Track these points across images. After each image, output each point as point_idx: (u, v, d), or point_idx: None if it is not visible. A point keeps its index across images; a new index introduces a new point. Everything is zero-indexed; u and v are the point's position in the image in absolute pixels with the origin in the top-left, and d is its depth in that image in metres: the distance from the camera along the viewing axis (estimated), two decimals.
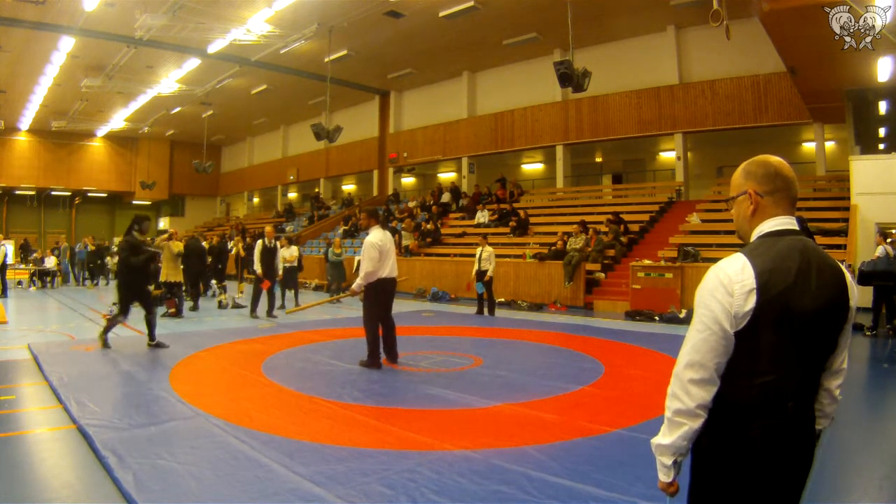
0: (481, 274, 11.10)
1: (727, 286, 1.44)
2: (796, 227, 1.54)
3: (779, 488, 1.49)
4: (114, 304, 10.52)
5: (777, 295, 1.43)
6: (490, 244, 11.52)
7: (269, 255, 10.66)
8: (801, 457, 1.52)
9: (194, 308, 11.77)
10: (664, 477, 1.57)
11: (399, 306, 12.92)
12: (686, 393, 1.48)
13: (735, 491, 1.49)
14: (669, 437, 1.52)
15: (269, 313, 10.59)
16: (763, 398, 1.45)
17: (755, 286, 1.42)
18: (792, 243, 1.50)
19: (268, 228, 11.64)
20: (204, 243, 13.17)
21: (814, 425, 1.56)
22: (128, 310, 7.32)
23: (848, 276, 1.54)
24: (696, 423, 1.49)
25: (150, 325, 7.24)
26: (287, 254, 12.04)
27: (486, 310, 11.27)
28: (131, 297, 7.25)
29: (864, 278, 8.97)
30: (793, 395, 1.47)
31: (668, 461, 1.54)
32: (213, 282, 13.35)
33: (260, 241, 10.74)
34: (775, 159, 1.57)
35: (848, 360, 1.64)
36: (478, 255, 11.27)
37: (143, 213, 8.18)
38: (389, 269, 6.21)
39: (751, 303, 1.42)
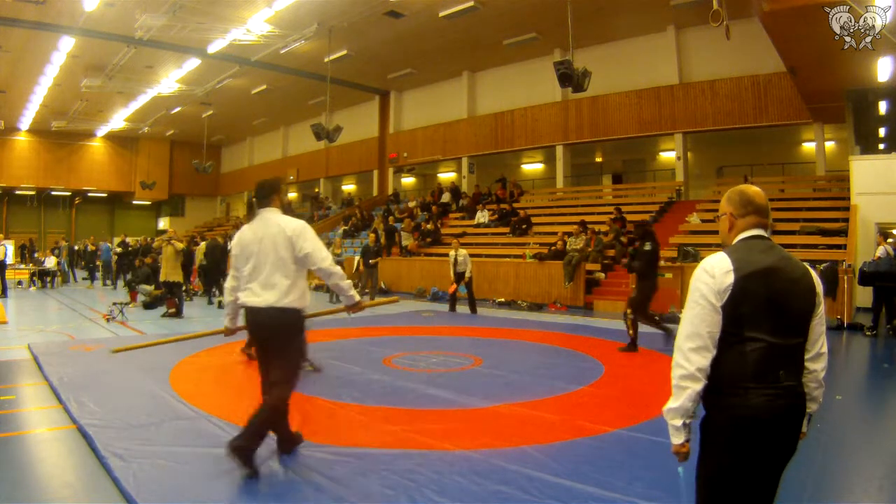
0: (460, 276, 11.42)
1: (709, 271, 1.81)
2: (766, 235, 1.91)
3: (773, 454, 1.79)
4: (114, 304, 10.56)
5: (751, 274, 1.78)
6: (462, 245, 12.05)
7: None
8: (792, 425, 1.80)
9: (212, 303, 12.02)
10: (675, 439, 1.84)
11: (399, 307, 12.93)
12: (686, 360, 1.78)
13: (736, 456, 1.75)
14: (677, 400, 1.80)
15: None
16: (756, 365, 1.74)
17: (731, 268, 1.79)
18: (763, 243, 1.89)
19: None
20: (203, 243, 13.25)
21: (804, 400, 1.84)
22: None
23: (811, 269, 1.89)
24: (698, 386, 1.78)
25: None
26: None
27: (456, 307, 11.71)
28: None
29: (866, 279, 8.96)
30: (781, 364, 1.77)
31: (678, 422, 1.81)
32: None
33: None
34: (751, 190, 1.97)
35: (828, 345, 1.91)
36: (452, 258, 11.48)
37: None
38: (254, 289, 3.44)
39: (729, 279, 1.77)
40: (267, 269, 3.41)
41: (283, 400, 3.44)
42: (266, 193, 3.58)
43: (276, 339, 3.45)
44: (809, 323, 1.84)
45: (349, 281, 3.62)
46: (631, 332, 7.27)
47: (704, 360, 1.77)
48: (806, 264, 1.89)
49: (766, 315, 1.76)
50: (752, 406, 1.72)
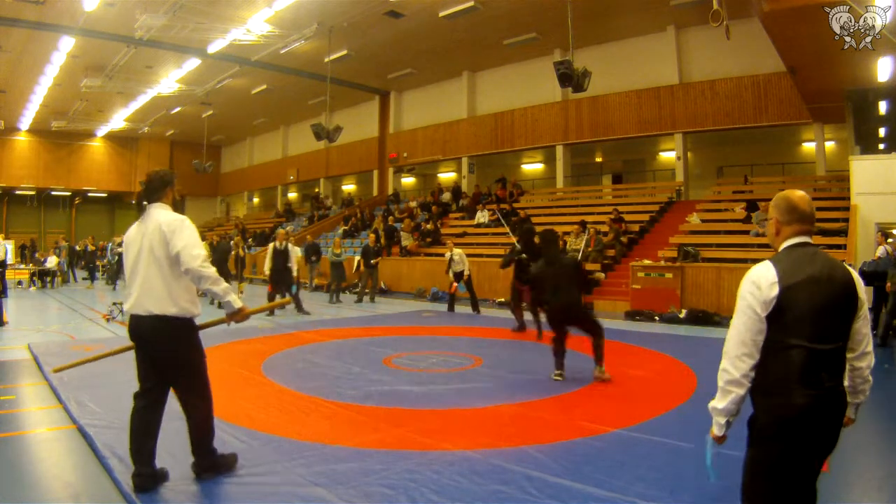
0: (459, 275, 11.55)
1: (755, 282, 1.94)
2: (810, 241, 2.02)
3: (815, 449, 1.92)
4: (114, 304, 10.55)
5: (794, 285, 1.89)
6: (463, 245, 12.14)
7: (281, 257, 11.20)
8: (833, 423, 1.93)
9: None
10: (718, 431, 2.03)
11: (399, 306, 12.94)
12: (733, 366, 1.94)
13: (781, 452, 1.89)
14: (722, 402, 1.97)
15: (300, 310, 11.10)
16: (799, 370, 1.86)
17: (776, 279, 1.91)
18: (807, 251, 1.99)
19: (280, 231, 12.06)
20: (204, 243, 13.37)
21: (844, 399, 1.97)
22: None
23: (854, 272, 1.99)
24: (742, 391, 1.94)
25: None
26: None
27: (454, 307, 11.83)
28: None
29: (865, 279, 8.93)
30: (823, 367, 1.88)
31: (723, 420, 2.00)
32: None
33: (271, 245, 11.32)
34: (796, 195, 2.07)
35: (873, 343, 2.05)
36: (448, 258, 11.56)
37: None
38: (134, 294, 3.15)
39: (774, 291, 1.90)
40: (144, 272, 3.08)
41: (206, 420, 3.20)
42: (156, 187, 3.22)
43: (162, 355, 3.11)
44: (852, 326, 1.98)
45: (226, 284, 3.17)
46: (518, 318, 8.85)
47: (748, 366, 1.93)
48: (849, 268, 2.00)
49: (808, 323, 1.89)
50: (796, 406, 1.86)
